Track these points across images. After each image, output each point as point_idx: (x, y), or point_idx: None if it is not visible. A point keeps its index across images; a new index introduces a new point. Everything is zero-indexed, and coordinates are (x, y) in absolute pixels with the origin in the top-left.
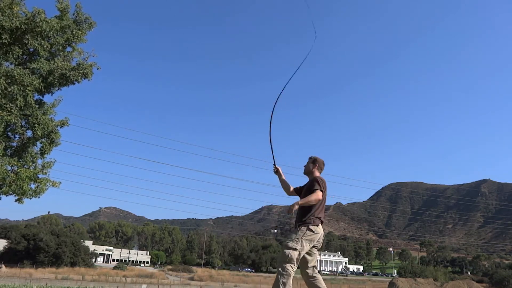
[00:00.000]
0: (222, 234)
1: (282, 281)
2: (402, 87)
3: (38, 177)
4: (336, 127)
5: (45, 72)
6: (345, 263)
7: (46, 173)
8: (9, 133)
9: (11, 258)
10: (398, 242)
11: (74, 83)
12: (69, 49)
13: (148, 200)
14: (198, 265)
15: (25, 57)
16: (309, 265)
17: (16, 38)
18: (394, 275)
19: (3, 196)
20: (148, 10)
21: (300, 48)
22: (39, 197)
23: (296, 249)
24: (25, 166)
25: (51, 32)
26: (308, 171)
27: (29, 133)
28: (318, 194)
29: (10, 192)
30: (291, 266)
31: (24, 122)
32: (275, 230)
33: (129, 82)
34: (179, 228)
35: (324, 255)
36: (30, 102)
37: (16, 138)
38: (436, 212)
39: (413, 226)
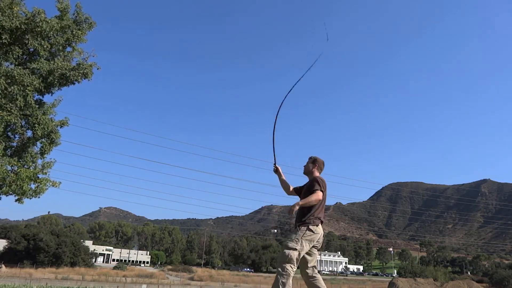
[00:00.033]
0: (222, 234)
1: (281, 281)
2: (402, 87)
3: (38, 177)
4: (336, 127)
5: (45, 72)
6: (345, 263)
7: (46, 173)
8: (9, 133)
9: (11, 258)
10: (398, 242)
11: (74, 83)
12: (69, 49)
13: (148, 200)
14: (198, 265)
15: (25, 57)
16: (309, 265)
17: (16, 38)
18: (394, 275)
19: (3, 196)
20: (148, 10)
21: (300, 48)
22: (39, 197)
23: (296, 249)
24: (25, 166)
25: (51, 32)
26: (307, 171)
27: (29, 133)
28: (319, 195)
29: (10, 192)
30: (291, 266)
31: (24, 122)
32: (275, 230)
33: (129, 82)
34: (179, 228)
35: (324, 255)
36: (30, 102)
37: (16, 138)
38: (436, 212)
39: (413, 226)
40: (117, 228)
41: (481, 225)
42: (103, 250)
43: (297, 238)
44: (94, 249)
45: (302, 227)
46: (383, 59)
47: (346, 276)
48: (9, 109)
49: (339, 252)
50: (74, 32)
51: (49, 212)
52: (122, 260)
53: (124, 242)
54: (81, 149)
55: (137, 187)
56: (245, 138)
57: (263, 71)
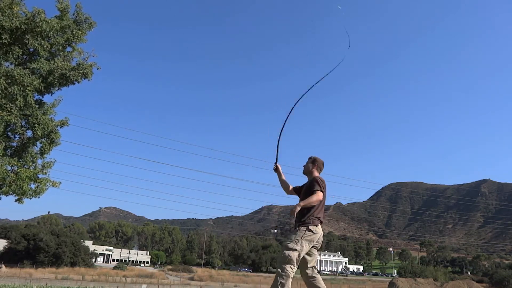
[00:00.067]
0: (222, 234)
1: (280, 281)
2: (402, 87)
3: (38, 177)
4: (336, 127)
5: (45, 72)
6: (345, 263)
7: (46, 173)
8: (9, 133)
9: (11, 258)
10: (398, 242)
11: (74, 83)
12: (69, 49)
13: (148, 200)
14: (198, 265)
15: (25, 57)
16: (308, 265)
17: (16, 38)
18: (394, 275)
19: (3, 196)
20: (148, 10)
21: (300, 48)
22: (39, 197)
23: (295, 250)
24: (25, 166)
25: (51, 32)
26: (307, 171)
27: (29, 133)
28: (319, 195)
29: (10, 192)
30: (290, 267)
31: (24, 122)
32: (275, 230)
33: (129, 82)
34: (179, 228)
35: (324, 255)
36: (30, 102)
37: (16, 138)
38: (436, 212)
39: (413, 226)
40: (117, 228)
41: (481, 225)
42: (103, 250)
43: (296, 239)
44: (94, 249)
45: (302, 228)
46: (383, 59)
47: (346, 276)
48: (9, 109)
49: (339, 252)
50: (74, 32)
51: (49, 212)
52: (122, 260)
53: (124, 242)
54: (81, 149)
55: (137, 187)
56: (245, 138)
57: (263, 71)
